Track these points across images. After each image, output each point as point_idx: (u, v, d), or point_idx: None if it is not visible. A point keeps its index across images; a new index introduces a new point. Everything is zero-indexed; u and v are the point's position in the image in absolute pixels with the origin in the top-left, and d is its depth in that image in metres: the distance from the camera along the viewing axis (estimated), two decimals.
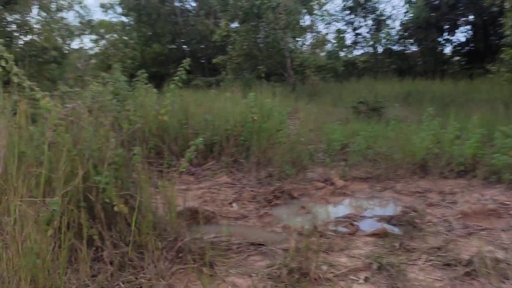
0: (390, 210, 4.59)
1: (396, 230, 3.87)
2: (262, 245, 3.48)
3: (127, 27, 26.52)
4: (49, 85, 14.04)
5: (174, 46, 26.26)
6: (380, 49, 23.12)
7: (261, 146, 5.96)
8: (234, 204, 4.63)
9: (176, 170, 5.44)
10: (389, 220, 4.14)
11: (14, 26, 15.23)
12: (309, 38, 23.19)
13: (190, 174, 5.72)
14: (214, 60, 20.26)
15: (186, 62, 6.22)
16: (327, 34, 22.90)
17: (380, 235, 3.72)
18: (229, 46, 19.17)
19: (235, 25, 19.20)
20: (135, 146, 3.63)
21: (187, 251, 3.07)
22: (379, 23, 22.89)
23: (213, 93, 8.84)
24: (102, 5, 28.00)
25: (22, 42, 15.64)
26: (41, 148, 2.96)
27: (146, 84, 6.92)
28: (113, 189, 3.05)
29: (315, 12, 22.54)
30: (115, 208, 2.99)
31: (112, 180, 3.06)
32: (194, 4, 26.63)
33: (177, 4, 25.87)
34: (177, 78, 6.40)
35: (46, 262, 1.99)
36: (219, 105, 7.10)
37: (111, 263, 2.86)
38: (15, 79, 3.53)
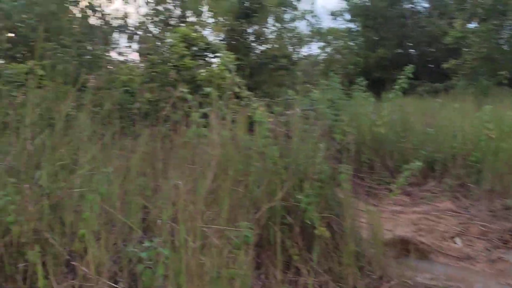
0: None
1: None
2: None
3: (353, 33, 26.70)
4: (277, 90, 15.17)
5: (400, 50, 25.12)
6: None
7: (497, 170, 4.89)
8: (457, 239, 3.87)
9: (388, 188, 4.96)
10: None
11: (252, 37, 16.99)
12: None
13: (405, 194, 5.13)
14: (445, 65, 18.44)
15: (409, 69, 5.65)
16: None
17: None
18: (464, 49, 17.13)
19: (472, 25, 17.07)
20: (346, 160, 3.35)
21: None
22: None
23: (439, 102, 7.88)
24: (333, 13, 28.88)
25: (258, 52, 17.35)
26: (248, 160, 2.96)
27: (364, 92, 6.61)
28: (315, 209, 2.82)
29: None
30: (316, 231, 2.76)
31: (315, 200, 2.84)
32: (426, 4, 24.94)
33: (406, 6, 24.68)
34: (397, 86, 5.90)
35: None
36: (445, 117, 6.23)
37: None
38: (236, 89, 3.70)
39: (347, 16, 27.58)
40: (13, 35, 7.32)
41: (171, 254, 1.77)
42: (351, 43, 26.52)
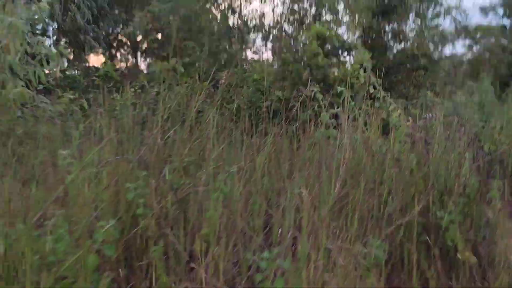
0: None
1: None
2: None
3: (508, 30, 23.85)
4: (416, 92, 14.20)
5: None
6: None
7: None
8: None
9: None
10: None
11: (390, 35, 16.14)
12: None
13: None
14: None
15: None
16: None
17: None
18: None
19: None
20: (498, 173, 2.88)
21: None
22: None
23: None
24: (483, 8, 26.15)
25: (395, 50, 16.41)
26: (382, 167, 2.68)
27: None
28: (459, 229, 2.44)
29: None
30: (459, 255, 2.38)
31: (459, 218, 2.45)
32: None
33: None
34: None
35: None
36: None
37: None
38: (370, 89, 3.43)
39: (501, 11, 24.79)
40: (160, 35, 7.99)
41: (291, 267, 1.62)
42: (505, 41, 23.74)
